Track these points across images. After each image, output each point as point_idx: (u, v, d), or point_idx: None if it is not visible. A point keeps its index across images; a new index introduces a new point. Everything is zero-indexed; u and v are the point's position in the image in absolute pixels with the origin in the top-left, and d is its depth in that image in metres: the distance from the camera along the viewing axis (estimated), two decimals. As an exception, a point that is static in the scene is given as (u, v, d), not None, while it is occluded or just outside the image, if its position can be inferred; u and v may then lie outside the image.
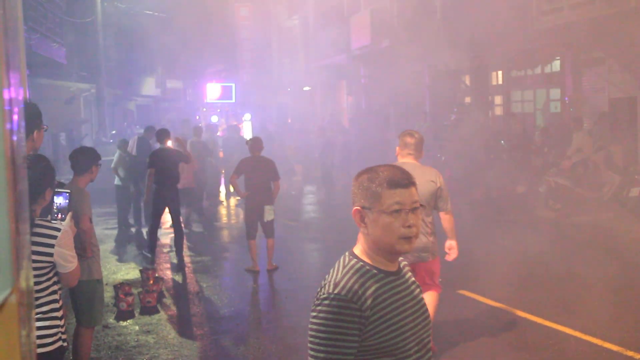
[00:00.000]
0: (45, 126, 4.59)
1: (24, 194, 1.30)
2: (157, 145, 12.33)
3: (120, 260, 12.08)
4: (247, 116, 33.42)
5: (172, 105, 43.81)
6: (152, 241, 11.86)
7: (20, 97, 1.31)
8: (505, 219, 13.84)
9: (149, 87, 41.91)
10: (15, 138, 1.20)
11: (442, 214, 6.65)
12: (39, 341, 3.85)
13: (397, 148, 6.74)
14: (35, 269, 3.77)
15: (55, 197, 4.08)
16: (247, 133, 29.47)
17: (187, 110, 40.79)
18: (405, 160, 6.50)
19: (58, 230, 3.82)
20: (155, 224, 11.89)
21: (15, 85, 1.20)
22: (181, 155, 11.96)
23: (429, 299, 6.40)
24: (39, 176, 3.72)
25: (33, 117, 4.41)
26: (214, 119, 34.80)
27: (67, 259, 3.86)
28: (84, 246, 6.30)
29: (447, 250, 6.77)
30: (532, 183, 15.73)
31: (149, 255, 11.84)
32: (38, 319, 3.87)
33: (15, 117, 1.22)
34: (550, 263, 10.36)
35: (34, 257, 3.73)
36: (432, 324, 3.11)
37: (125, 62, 35.61)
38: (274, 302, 9.55)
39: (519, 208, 14.71)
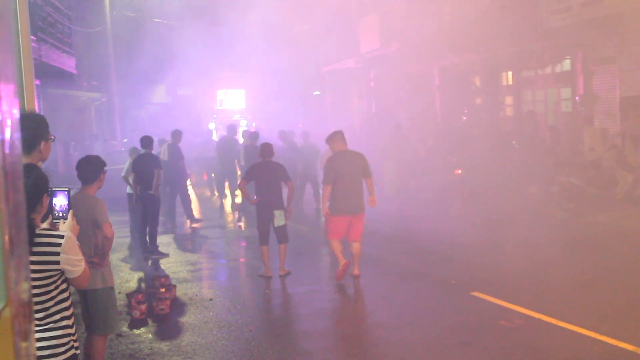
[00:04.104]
0: (52, 136, 4.59)
1: (20, 204, 1.29)
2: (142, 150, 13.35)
3: (132, 268, 12.10)
4: (243, 122, 33.03)
5: (183, 112, 43.90)
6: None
7: (15, 109, 1.30)
8: (518, 220, 13.77)
9: (160, 94, 42.04)
10: (8, 150, 1.19)
11: (367, 180, 10.27)
12: (51, 351, 3.85)
13: (334, 143, 10.30)
14: (42, 278, 3.76)
15: (54, 198, 4.04)
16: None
17: (197, 117, 40.82)
18: (342, 149, 10.26)
19: (61, 237, 3.81)
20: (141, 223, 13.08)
21: (7, 97, 1.19)
22: (157, 161, 13.06)
23: (358, 247, 10.26)
24: (33, 184, 3.70)
25: (40, 128, 4.41)
26: (211, 125, 34.54)
27: (74, 264, 3.85)
28: (104, 253, 6.34)
29: (369, 202, 10.37)
30: (544, 183, 15.65)
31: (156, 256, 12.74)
32: (49, 329, 3.87)
33: (8, 128, 1.21)
34: (563, 263, 10.29)
35: (40, 267, 3.72)
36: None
37: (136, 70, 35.74)
38: (286, 307, 9.54)
39: (532, 208, 14.63)
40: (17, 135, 1.30)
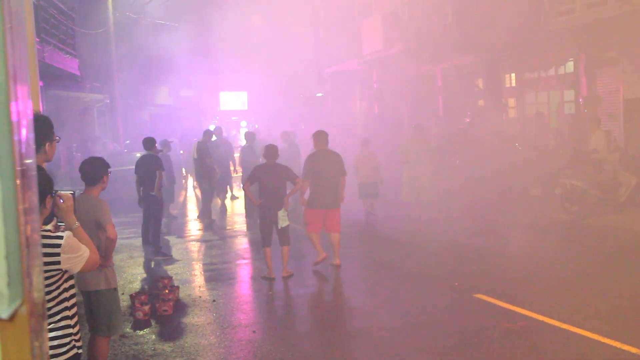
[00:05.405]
0: (57, 137, 4.60)
1: (34, 204, 1.30)
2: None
3: (136, 269, 12.11)
4: (244, 123, 33.00)
5: (185, 114, 43.83)
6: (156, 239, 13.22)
7: (29, 110, 1.31)
8: (521, 222, 13.76)
9: (162, 96, 41.95)
10: (23, 150, 1.20)
11: (341, 178, 10.99)
12: (53, 351, 3.86)
13: (318, 142, 11.10)
14: (44, 279, 3.76)
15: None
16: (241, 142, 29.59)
17: (199, 119, 40.75)
18: (323, 148, 11.03)
19: (61, 237, 3.82)
20: (144, 225, 13.40)
21: (22, 98, 1.21)
22: (159, 163, 13.06)
23: (336, 238, 11.04)
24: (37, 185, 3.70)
25: (45, 129, 4.42)
26: (212, 127, 34.71)
27: (74, 262, 3.85)
28: (107, 255, 6.33)
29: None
30: (547, 185, 15.63)
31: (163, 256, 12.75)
32: (50, 329, 3.87)
33: (24, 129, 1.22)
34: (567, 266, 10.29)
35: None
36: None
37: (138, 72, 35.70)
38: (289, 309, 9.54)
39: (535, 211, 14.62)
40: (32, 135, 1.31)
